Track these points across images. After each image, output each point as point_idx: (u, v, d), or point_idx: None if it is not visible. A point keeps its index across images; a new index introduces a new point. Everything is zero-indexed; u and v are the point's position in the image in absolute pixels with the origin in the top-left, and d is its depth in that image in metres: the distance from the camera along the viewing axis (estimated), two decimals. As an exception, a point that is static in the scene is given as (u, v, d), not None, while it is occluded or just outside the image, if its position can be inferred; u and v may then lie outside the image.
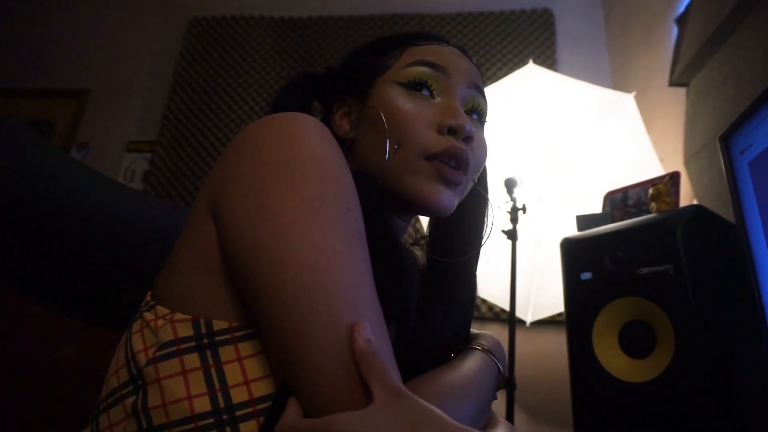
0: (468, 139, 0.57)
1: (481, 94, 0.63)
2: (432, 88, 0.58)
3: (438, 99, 0.58)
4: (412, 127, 0.56)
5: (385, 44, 0.64)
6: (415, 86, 0.58)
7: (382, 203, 0.56)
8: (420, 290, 0.69)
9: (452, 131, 0.56)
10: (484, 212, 0.66)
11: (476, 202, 0.66)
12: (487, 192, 0.68)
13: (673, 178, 1.06)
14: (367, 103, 0.60)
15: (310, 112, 0.63)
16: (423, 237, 0.71)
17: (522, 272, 1.46)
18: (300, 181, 0.44)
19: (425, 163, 0.55)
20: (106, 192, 0.73)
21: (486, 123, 0.65)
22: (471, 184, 0.62)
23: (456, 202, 0.58)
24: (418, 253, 0.74)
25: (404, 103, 0.57)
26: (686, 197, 1.35)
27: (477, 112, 0.62)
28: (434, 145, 0.55)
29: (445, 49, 0.62)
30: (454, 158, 0.55)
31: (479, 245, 0.64)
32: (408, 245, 0.74)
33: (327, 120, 0.65)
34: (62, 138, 2.31)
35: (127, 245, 0.71)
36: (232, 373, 0.44)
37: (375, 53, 0.63)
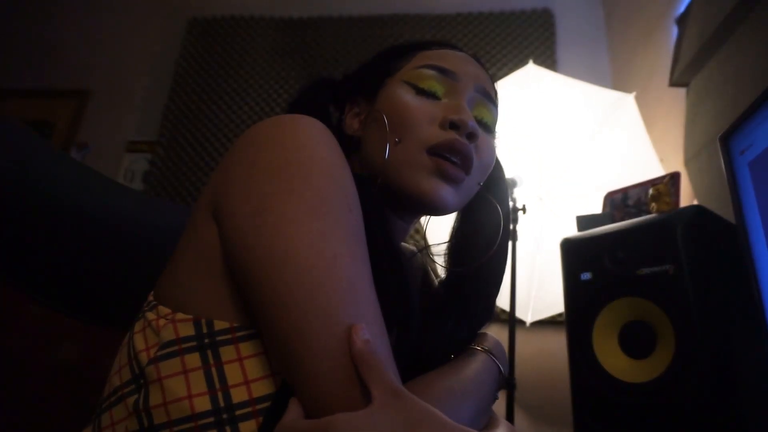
0: (471, 136, 0.57)
1: (490, 101, 0.62)
2: (438, 90, 0.59)
3: (444, 100, 0.59)
4: (415, 121, 0.56)
5: (398, 48, 0.65)
6: (423, 90, 0.58)
7: (382, 204, 0.56)
8: (424, 296, 0.70)
9: (454, 126, 0.56)
10: (497, 223, 0.64)
11: (488, 211, 0.65)
12: (503, 203, 0.66)
13: (673, 178, 1.06)
14: (377, 102, 0.61)
15: (326, 114, 0.64)
16: (431, 245, 0.71)
17: (522, 272, 1.45)
18: (301, 182, 0.44)
19: (426, 157, 0.55)
20: (106, 192, 0.73)
21: (495, 133, 0.64)
22: (477, 188, 0.62)
23: (457, 201, 0.58)
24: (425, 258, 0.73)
25: (410, 99, 0.58)
26: (686, 197, 1.35)
27: (482, 123, 0.61)
28: (435, 137, 0.55)
29: (456, 54, 0.63)
30: (455, 152, 0.55)
31: (486, 255, 0.63)
32: (416, 252, 0.74)
33: (340, 121, 0.66)
34: (62, 138, 2.30)
35: (127, 245, 0.72)
36: (233, 372, 0.44)
37: (388, 57, 0.65)
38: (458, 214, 0.69)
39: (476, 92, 0.61)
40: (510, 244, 1.33)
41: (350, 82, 0.68)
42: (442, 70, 0.59)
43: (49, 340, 0.67)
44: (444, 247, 0.68)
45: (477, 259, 0.63)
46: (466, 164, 0.56)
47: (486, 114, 0.62)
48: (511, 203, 1.33)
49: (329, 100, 0.66)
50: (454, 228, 0.68)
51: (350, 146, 0.61)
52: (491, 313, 0.65)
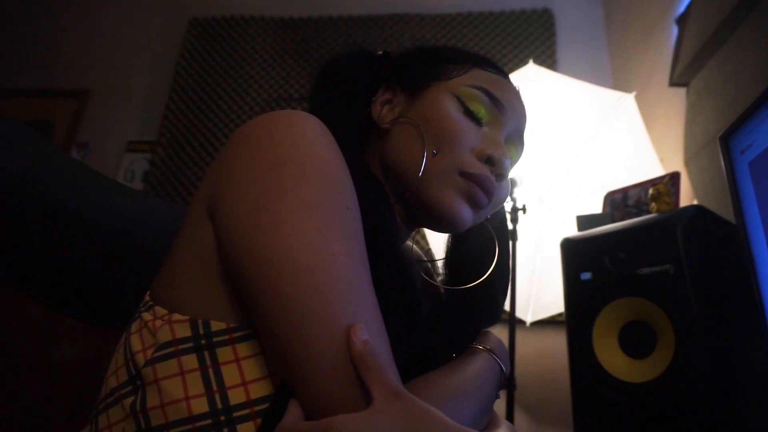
0: (500, 177, 0.58)
1: (521, 144, 0.64)
2: (484, 117, 0.58)
3: (486, 129, 0.59)
4: (458, 142, 0.56)
5: (452, 54, 0.64)
6: (471, 110, 0.58)
7: (392, 208, 0.56)
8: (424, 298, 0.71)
9: (491, 162, 0.57)
10: (493, 252, 0.65)
11: (486, 241, 0.66)
12: (503, 239, 0.68)
13: (673, 178, 1.06)
14: (419, 103, 0.59)
15: (357, 85, 0.62)
16: (434, 260, 0.72)
17: (522, 272, 1.45)
18: (297, 181, 0.44)
19: (459, 177, 0.55)
20: (106, 192, 0.73)
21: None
22: (481, 220, 0.63)
23: (470, 225, 0.59)
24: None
25: (457, 116, 0.57)
26: (686, 197, 1.35)
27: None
28: (470, 165, 0.56)
29: (508, 85, 0.63)
30: (482, 186, 0.56)
31: (481, 277, 0.64)
32: (424, 258, 0.74)
33: (366, 101, 0.63)
34: (62, 138, 2.30)
35: (127, 245, 0.71)
36: (230, 374, 0.44)
37: (440, 59, 0.63)
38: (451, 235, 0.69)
39: (514, 131, 0.61)
40: (510, 244, 1.33)
41: (391, 64, 0.66)
42: (493, 98, 0.59)
43: (49, 340, 0.67)
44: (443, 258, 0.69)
45: (475, 279, 0.63)
46: (489, 199, 0.58)
47: (514, 155, 0.63)
48: (511, 203, 1.33)
49: (365, 73, 0.64)
50: (448, 246, 0.69)
51: (370, 130, 0.61)
52: (498, 319, 0.66)
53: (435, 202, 0.55)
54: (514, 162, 0.64)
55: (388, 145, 0.59)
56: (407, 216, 0.60)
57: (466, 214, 0.56)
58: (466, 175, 0.55)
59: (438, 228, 0.61)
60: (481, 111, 0.58)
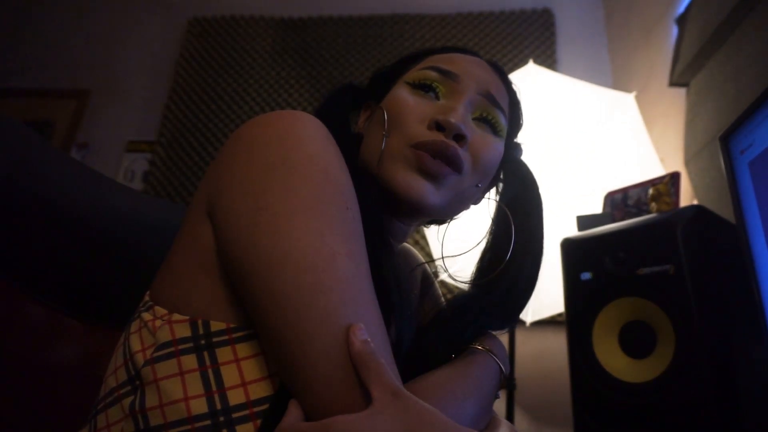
0: (459, 137, 0.56)
1: (495, 105, 0.60)
2: (437, 90, 0.59)
3: (442, 101, 0.59)
4: (405, 118, 0.57)
5: (412, 54, 0.67)
6: (421, 87, 0.59)
7: (379, 202, 0.55)
8: (424, 298, 0.70)
9: (440, 127, 0.55)
10: (509, 237, 0.61)
11: (502, 224, 0.63)
12: (535, 227, 0.63)
13: (673, 178, 1.06)
14: (381, 102, 0.62)
15: (347, 118, 0.64)
16: (443, 257, 0.70)
17: (522, 272, 1.45)
18: (296, 180, 0.44)
19: (409, 150, 0.55)
20: (106, 192, 0.73)
21: (506, 136, 0.63)
22: (475, 190, 0.60)
23: (441, 199, 0.56)
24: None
25: (405, 97, 0.59)
26: (686, 197, 1.35)
27: (488, 122, 0.60)
28: (420, 135, 0.55)
29: (464, 57, 0.63)
30: (437, 153, 0.54)
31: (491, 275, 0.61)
32: (421, 260, 0.74)
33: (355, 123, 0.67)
34: (62, 138, 2.30)
35: (127, 245, 0.72)
36: (230, 374, 0.44)
37: (402, 62, 0.66)
38: (489, 237, 0.66)
39: (479, 95, 0.59)
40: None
41: (369, 87, 0.69)
42: (442, 72, 0.59)
43: (49, 341, 0.67)
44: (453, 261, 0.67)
45: (485, 277, 0.61)
46: (453, 163, 0.55)
47: (490, 113, 0.60)
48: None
49: (350, 104, 0.66)
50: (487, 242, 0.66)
51: (355, 142, 0.62)
52: (507, 326, 0.64)
53: (391, 183, 0.55)
54: (495, 122, 0.60)
55: (362, 147, 0.61)
56: (394, 207, 0.58)
57: (420, 188, 0.54)
58: (417, 147, 0.55)
59: (410, 213, 0.59)
60: (432, 85, 0.59)
